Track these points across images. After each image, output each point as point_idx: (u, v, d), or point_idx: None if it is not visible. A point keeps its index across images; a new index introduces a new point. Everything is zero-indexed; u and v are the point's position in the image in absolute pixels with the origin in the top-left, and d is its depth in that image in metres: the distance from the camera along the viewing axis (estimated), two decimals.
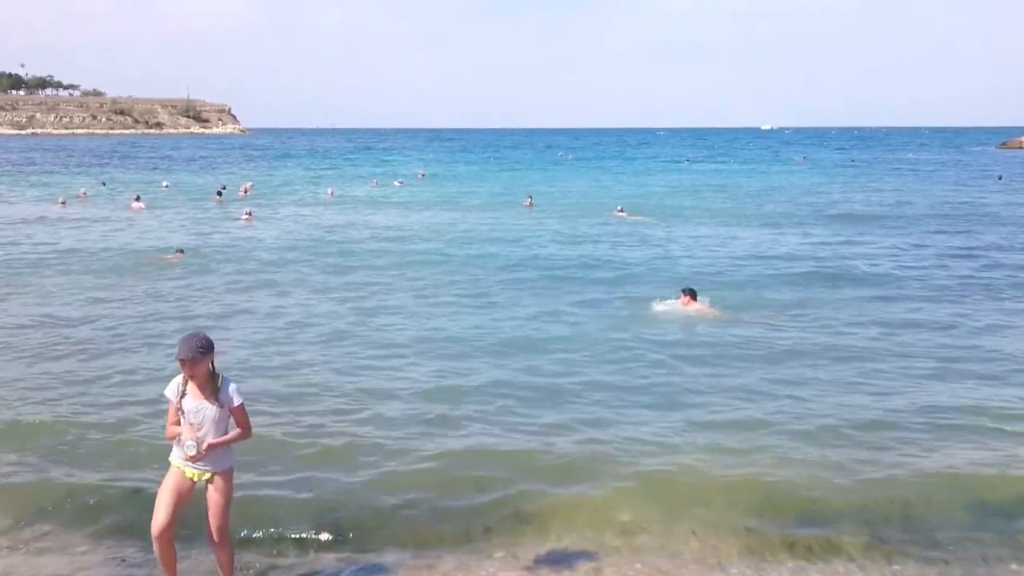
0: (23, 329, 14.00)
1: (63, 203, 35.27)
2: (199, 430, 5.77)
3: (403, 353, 12.64)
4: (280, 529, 7.26)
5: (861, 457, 8.81)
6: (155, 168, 67.23)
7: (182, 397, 5.80)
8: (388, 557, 6.91)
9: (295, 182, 52.93)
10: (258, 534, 7.17)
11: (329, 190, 42.75)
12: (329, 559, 6.89)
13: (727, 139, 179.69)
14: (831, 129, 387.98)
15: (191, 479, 5.91)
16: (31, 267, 20.18)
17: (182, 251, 21.82)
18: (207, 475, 5.90)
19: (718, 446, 9.04)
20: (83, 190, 41.15)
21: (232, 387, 5.90)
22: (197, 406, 5.78)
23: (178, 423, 5.84)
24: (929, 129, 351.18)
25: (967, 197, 40.68)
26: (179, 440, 5.81)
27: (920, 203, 37.48)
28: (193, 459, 5.76)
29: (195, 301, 16.49)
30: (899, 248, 23.82)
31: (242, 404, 5.92)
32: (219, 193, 40.17)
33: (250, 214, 30.70)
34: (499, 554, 6.92)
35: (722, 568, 6.73)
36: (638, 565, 6.72)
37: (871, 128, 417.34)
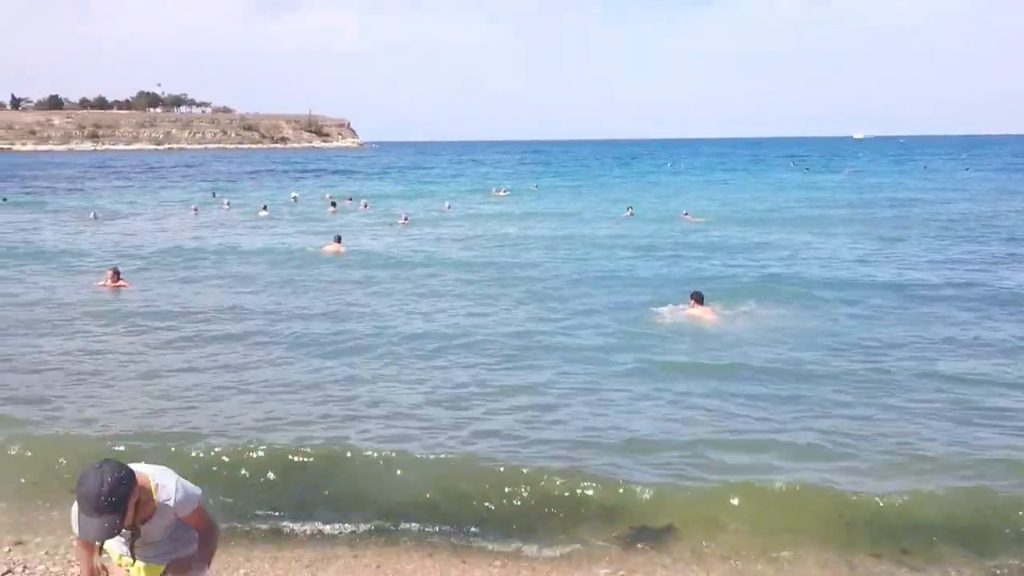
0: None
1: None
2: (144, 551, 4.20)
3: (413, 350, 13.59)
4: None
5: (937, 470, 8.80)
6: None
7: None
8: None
9: (414, 196, 55.67)
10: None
11: (447, 203, 44.88)
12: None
13: (829, 147, 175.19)
14: (934, 137, 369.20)
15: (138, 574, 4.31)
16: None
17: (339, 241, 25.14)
18: (161, 568, 4.29)
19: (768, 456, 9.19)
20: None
21: (177, 495, 4.08)
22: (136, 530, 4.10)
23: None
24: None
25: None
26: None
27: None
28: None
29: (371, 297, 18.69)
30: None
31: (199, 506, 4.22)
32: (333, 205, 42.88)
33: (406, 219, 34.82)
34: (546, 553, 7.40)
35: None
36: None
37: (983, 136, 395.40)
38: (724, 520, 7.80)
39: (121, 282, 19.84)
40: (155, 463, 4.36)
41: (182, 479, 4.13)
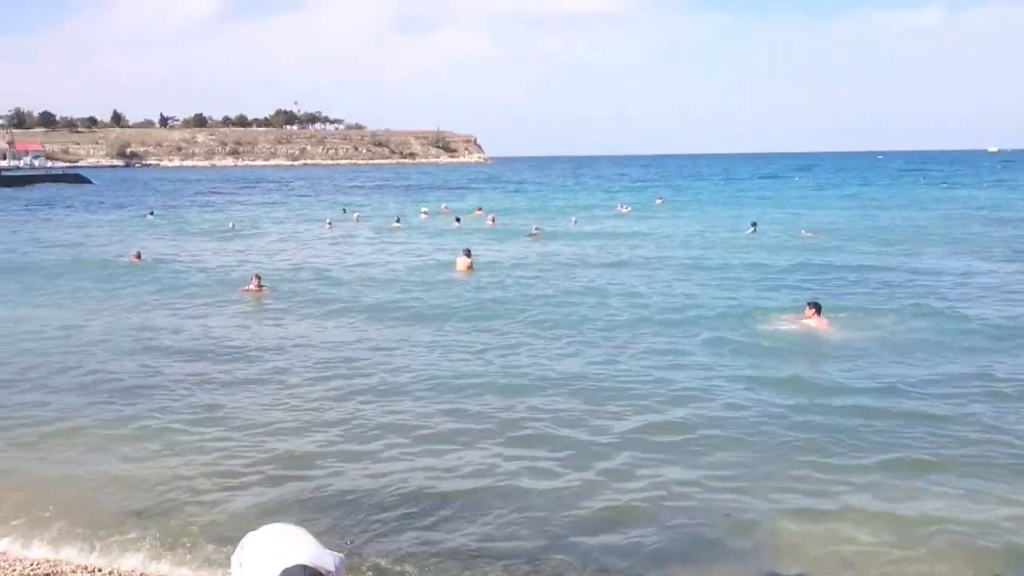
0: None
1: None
2: None
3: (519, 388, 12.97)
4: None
5: None
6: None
7: None
8: None
9: (538, 209, 56.31)
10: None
11: (573, 219, 44.91)
12: None
13: (962, 161, 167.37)
14: None
15: None
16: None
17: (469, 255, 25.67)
18: None
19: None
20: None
21: (337, 572, 3.94)
22: None
23: None
24: None
25: None
26: None
27: None
28: None
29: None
30: None
31: None
32: (457, 220, 43.74)
33: (536, 230, 36.82)
34: None
35: None
36: None
37: None
38: None
39: (264, 288, 21.24)
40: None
41: (326, 549, 4.05)
